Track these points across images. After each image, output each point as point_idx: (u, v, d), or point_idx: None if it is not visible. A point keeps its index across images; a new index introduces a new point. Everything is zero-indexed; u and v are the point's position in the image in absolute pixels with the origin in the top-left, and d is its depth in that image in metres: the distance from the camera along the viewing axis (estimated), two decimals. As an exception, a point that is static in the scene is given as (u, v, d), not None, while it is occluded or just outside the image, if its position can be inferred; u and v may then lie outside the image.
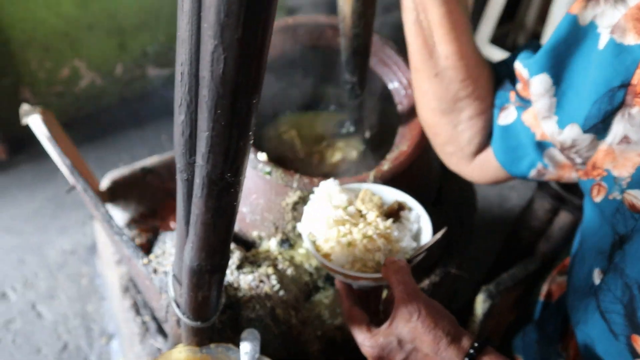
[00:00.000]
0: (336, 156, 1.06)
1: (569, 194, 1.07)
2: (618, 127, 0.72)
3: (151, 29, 2.69)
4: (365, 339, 0.74)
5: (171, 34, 2.73)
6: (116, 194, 1.81)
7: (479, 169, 0.93)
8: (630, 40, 0.70)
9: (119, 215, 1.79)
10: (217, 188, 0.49)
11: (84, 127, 2.65)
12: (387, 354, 0.73)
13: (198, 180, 0.50)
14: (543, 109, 0.78)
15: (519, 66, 0.82)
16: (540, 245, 1.17)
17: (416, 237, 0.84)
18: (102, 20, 2.50)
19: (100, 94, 2.70)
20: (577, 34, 0.75)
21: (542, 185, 1.11)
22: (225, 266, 0.63)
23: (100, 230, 1.84)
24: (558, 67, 0.77)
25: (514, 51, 0.88)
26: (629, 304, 0.71)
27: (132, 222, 1.79)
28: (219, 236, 0.56)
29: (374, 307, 0.85)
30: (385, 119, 1.12)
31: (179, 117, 0.51)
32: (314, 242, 0.81)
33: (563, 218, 1.11)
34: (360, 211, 0.83)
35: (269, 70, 1.09)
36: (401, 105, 1.08)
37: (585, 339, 0.83)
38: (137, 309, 1.65)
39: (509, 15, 3.20)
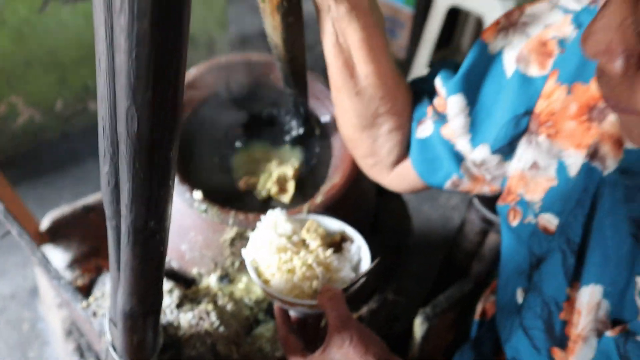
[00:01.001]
0: (294, 163, 1.09)
1: (496, 216, 1.13)
2: (527, 153, 0.78)
3: (92, 63, 2.63)
4: None
5: (112, 69, 2.70)
6: (57, 234, 1.76)
7: (398, 178, 0.97)
8: (533, 71, 0.76)
9: (61, 255, 1.75)
10: (142, 236, 0.51)
11: (23, 165, 2.58)
12: None
13: (124, 229, 0.52)
14: (458, 127, 0.83)
15: (439, 84, 0.86)
16: (473, 266, 1.22)
17: (356, 268, 0.88)
18: (40, 55, 2.46)
19: (39, 130, 2.64)
20: (487, 60, 0.81)
21: (471, 209, 1.17)
22: (158, 308, 0.64)
23: (40, 273, 1.79)
24: (471, 90, 0.82)
25: (432, 68, 0.92)
26: (547, 319, 0.77)
27: (75, 263, 1.75)
28: (149, 280, 0.57)
29: (312, 335, 0.87)
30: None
31: (104, 167, 0.53)
32: (256, 268, 0.84)
33: (492, 239, 1.17)
34: (304, 240, 0.86)
35: (206, 108, 1.12)
36: (333, 138, 1.12)
37: (514, 355, 0.88)
38: (81, 352, 1.60)
39: (446, 40, 3.35)
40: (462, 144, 0.84)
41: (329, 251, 0.85)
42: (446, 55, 3.44)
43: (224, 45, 2.79)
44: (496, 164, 0.83)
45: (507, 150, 0.80)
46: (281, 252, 0.83)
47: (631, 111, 0.53)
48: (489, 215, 1.13)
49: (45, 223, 1.76)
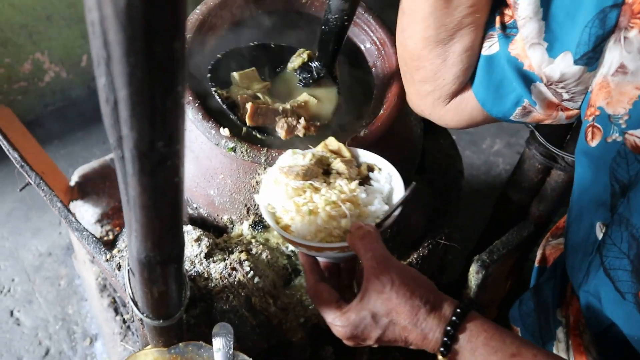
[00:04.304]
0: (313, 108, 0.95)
1: (560, 151, 0.99)
2: (612, 55, 0.64)
3: (115, 15, 2.56)
4: (335, 318, 0.68)
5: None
6: (86, 189, 1.72)
7: (454, 110, 0.84)
8: None
9: (91, 210, 1.71)
10: (150, 161, 0.41)
11: (52, 122, 2.54)
12: (361, 332, 0.66)
13: (127, 155, 0.42)
14: (531, 34, 0.69)
15: None
16: (533, 207, 1.09)
17: (388, 199, 0.77)
18: (61, 9, 2.37)
19: (66, 88, 2.58)
20: None
21: (531, 144, 1.04)
22: (180, 256, 0.55)
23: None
24: None
25: None
26: (636, 258, 0.64)
27: (105, 217, 1.70)
28: (164, 221, 0.48)
29: (348, 281, 0.77)
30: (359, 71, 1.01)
31: (100, 80, 0.42)
32: (273, 214, 0.75)
33: (555, 177, 1.04)
34: (326, 166, 0.76)
35: (236, 32, 0.99)
36: (375, 68, 0.99)
37: (589, 301, 0.76)
38: (116, 307, 1.57)
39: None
40: (536, 56, 0.69)
41: (354, 183, 0.74)
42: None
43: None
44: (577, 78, 0.68)
45: (592, 57, 0.65)
46: (298, 193, 0.73)
47: None
48: (553, 149, 0.99)
49: (74, 178, 1.71)
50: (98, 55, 0.40)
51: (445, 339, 0.63)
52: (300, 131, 0.87)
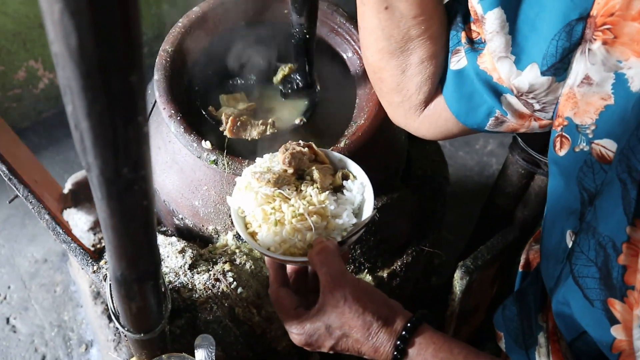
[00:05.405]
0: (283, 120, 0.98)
1: (542, 156, 1.00)
2: (578, 67, 0.65)
3: (109, 21, 2.56)
4: (291, 326, 0.72)
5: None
6: (80, 197, 1.72)
7: (428, 121, 0.85)
8: None
9: (84, 218, 1.71)
10: (116, 187, 0.42)
11: (47, 129, 2.54)
12: (315, 341, 0.71)
13: (94, 181, 0.43)
14: (499, 49, 0.70)
15: (474, 1, 0.73)
16: (518, 212, 1.10)
17: (359, 210, 0.78)
18: (54, 16, 2.38)
19: (61, 94, 2.59)
20: None
21: (514, 150, 1.05)
22: (156, 272, 0.56)
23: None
24: (512, 1, 0.69)
25: None
26: (603, 265, 0.65)
27: (98, 225, 1.71)
28: (136, 242, 0.49)
29: (313, 284, 0.79)
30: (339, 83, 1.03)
31: (68, 107, 0.43)
32: (243, 219, 0.76)
33: (539, 182, 1.05)
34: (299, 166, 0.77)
35: (217, 45, 1.00)
36: (358, 77, 0.99)
37: (560, 309, 0.77)
38: (109, 314, 1.58)
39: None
40: (504, 69, 0.71)
41: (325, 194, 0.75)
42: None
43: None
44: (546, 88, 0.69)
45: (559, 68, 0.67)
46: (268, 201, 0.74)
47: None
48: (535, 155, 1.00)
49: (67, 186, 1.72)
50: (63, 84, 0.41)
51: (395, 352, 0.68)
52: (256, 129, 0.91)
